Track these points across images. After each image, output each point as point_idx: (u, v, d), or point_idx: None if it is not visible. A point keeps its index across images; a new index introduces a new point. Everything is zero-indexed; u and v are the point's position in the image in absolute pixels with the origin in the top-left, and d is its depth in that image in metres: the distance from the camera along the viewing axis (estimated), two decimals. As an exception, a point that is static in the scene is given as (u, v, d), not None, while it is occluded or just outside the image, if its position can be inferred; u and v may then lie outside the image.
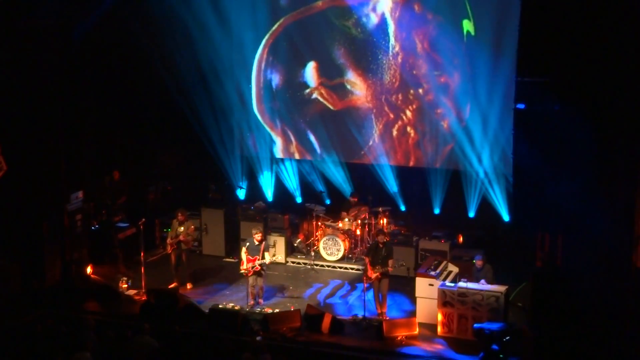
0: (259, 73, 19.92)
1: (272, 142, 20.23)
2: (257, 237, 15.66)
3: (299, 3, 19.28)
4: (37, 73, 15.91)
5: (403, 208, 18.98)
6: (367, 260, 15.30)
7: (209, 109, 19.64)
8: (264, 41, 19.63)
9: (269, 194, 20.14)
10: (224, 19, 19.30)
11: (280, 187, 20.26)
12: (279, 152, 20.24)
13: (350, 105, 19.31)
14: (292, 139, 20.02)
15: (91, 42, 17.63)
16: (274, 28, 19.49)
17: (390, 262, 15.00)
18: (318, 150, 19.74)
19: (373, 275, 15.02)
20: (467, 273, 15.19)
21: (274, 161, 20.29)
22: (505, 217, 17.55)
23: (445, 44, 17.99)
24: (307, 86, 19.60)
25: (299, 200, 20.02)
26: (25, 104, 15.95)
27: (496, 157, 17.59)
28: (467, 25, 17.77)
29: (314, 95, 19.60)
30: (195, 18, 19.05)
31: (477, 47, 17.56)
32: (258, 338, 13.21)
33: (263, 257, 15.56)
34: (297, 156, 20.06)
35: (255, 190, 20.16)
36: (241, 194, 20.01)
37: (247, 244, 15.70)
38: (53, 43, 16.00)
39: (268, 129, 20.14)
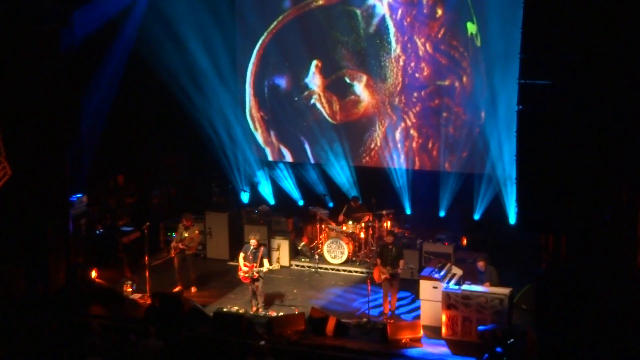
0: (253, 77, 19.92)
1: (273, 145, 20.28)
2: (253, 243, 15.56)
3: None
4: (40, 77, 15.94)
5: (408, 211, 18.97)
6: (377, 261, 15.33)
7: (212, 112, 19.67)
8: (260, 41, 19.64)
9: (266, 192, 20.12)
10: (225, 21, 19.34)
11: (283, 190, 20.27)
12: (279, 156, 20.24)
13: (351, 114, 19.29)
14: (284, 144, 20.09)
15: (94, 45, 17.68)
16: (271, 27, 19.49)
17: (401, 262, 15.05)
18: (318, 154, 19.73)
19: (383, 276, 15.05)
20: (471, 276, 15.17)
21: (276, 165, 20.31)
22: (512, 220, 17.50)
23: (451, 45, 17.99)
24: (307, 88, 19.59)
25: (301, 203, 20.03)
26: (29, 109, 15.97)
27: (508, 160, 17.54)
28: (471, 28, 17.77)
29: (313, 101, 19.60)
30: (198, 21, 19.09)
31: (482, 50, 17.58)
32: (262, 342, 13.20)
33: (261, 265, 15.50)
34: (297, 160, 20.06)
35: (258, 193, 20.17)
36: (245, 197, 20.02)
37: (251, 248, 15.60)
38: (56, 47, 16.04)
39: (259, 137, 20.11)
